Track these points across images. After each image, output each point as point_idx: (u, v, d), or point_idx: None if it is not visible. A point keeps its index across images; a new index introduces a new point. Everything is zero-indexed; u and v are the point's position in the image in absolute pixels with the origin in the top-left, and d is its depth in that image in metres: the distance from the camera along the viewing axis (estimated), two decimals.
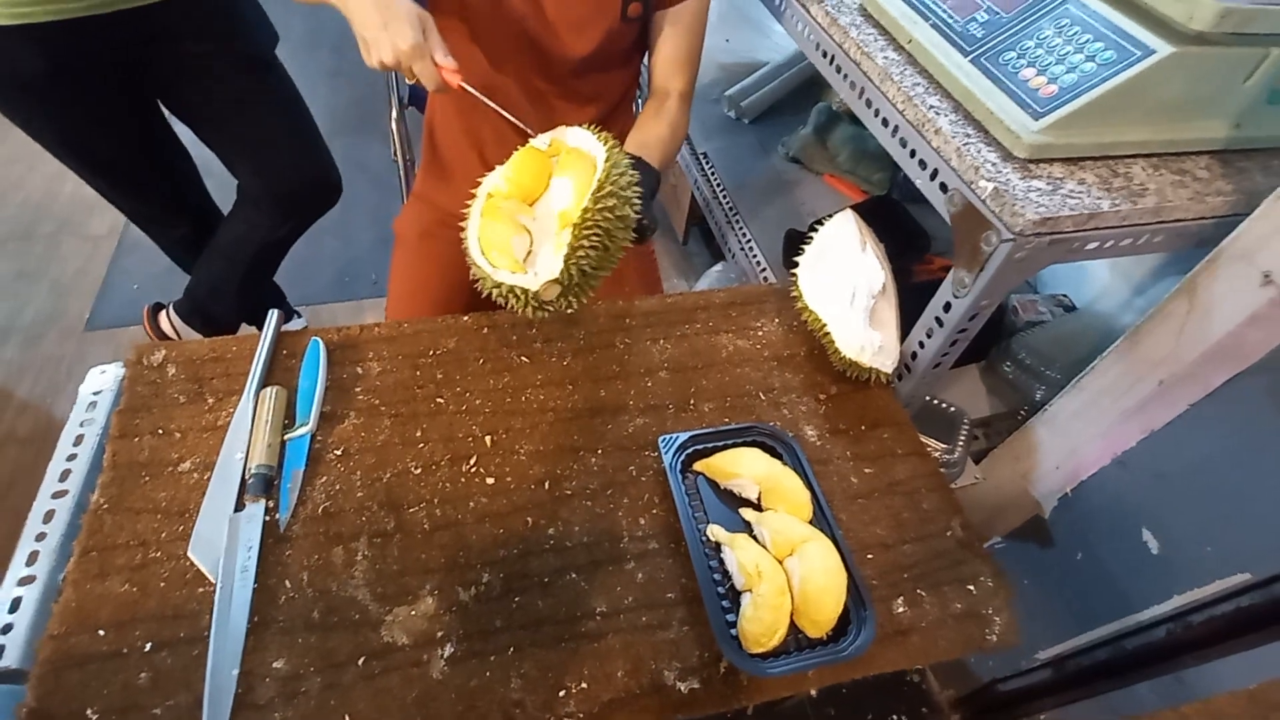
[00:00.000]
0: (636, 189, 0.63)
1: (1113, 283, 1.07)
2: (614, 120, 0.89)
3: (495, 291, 0.62)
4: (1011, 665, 0.98)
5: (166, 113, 1.08)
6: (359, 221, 1.84)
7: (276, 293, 1.45)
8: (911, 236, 1.14)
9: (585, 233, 0.60)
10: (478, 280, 0.63)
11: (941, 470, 0.87)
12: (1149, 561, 0.71)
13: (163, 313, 1.34)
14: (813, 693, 1.04)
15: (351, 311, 1.66)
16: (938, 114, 0.64)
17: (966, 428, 0.87)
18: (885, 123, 0.70)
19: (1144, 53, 0.55)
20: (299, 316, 1.52)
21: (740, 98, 1.44)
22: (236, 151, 1.10)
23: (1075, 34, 0.60)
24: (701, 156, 1.38)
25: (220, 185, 1.22)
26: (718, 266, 1.46)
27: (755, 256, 1.21)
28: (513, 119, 0.71)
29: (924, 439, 0.87)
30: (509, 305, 0.63)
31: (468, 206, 0.68)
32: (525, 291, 0.61)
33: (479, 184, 0.68)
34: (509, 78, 0.78)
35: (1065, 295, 1.09)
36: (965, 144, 0.60)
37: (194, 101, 1.04)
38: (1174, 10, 0.54)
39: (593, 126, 0.66)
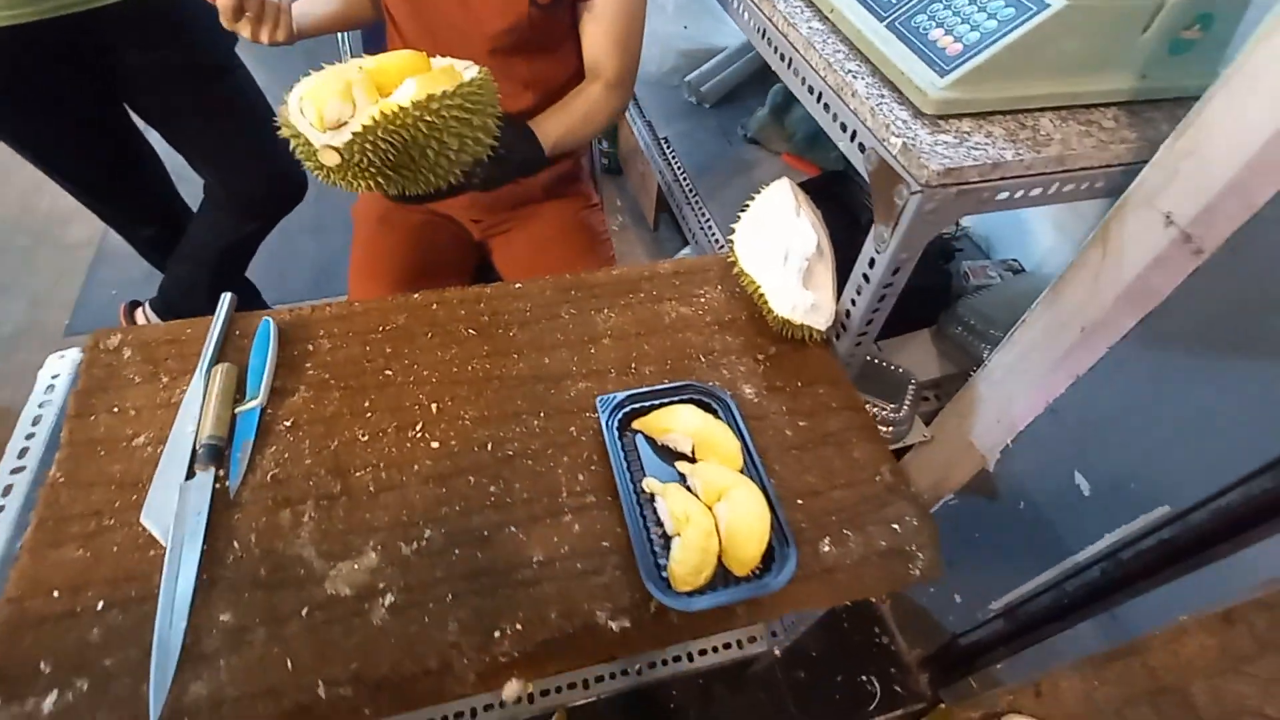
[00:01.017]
0: (483, 136, 0.64)
1: (1060, 245, 1.10)
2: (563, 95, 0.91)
3: (291, 137, 0.61)
4: (973, 620, 1.01)
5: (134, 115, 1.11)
6: (335, 220, 1.87)
7: (251, 290, 1.48)
8: (864, 209, 1.17)
9: (390, 125, 0.58)
10: (280, 125, 0.62)
11: (888, 430, 0.90)
12: (1082, 503, 0.73)
13: (139, 310, 1.36)
14: (777, 652, 1.07)
15: None
16: (855, 78, 0.66)
17: (913, 388, 0.90)
18: (811, 90, 0.73)
19: (1039, 7, 0.58)
20: None
21: (700, 83, 1.46)
22: (197, 155, 1.13)
23: None
24: (662, 141, 1.41)
25: (197, 186, 1.24)
26: (685, 250, 1.49)
27: (714, 236, 1.23)
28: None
29: (870, 399, 0.89)
30: (296, 151, 0.62)
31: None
32: (309, 144, 0.59)
33: None
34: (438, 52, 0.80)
35: (1015, 260, 1.12)
36: (879, 104, 0.63)
37: (152, 106, 1.07)
38: None
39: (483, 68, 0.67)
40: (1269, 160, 0.50)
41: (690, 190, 1.31)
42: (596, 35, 0.81)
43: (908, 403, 0.89)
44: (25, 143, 1.00)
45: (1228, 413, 0.59)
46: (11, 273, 1.72)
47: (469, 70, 0.67)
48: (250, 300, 1.49)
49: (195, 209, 1.27)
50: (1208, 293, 0.58)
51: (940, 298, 1.04)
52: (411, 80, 0.62)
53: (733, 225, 1.28)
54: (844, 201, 1.16)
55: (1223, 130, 0.53)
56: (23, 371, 1.49)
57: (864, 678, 1.13)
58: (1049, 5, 0.57)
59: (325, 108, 0.60)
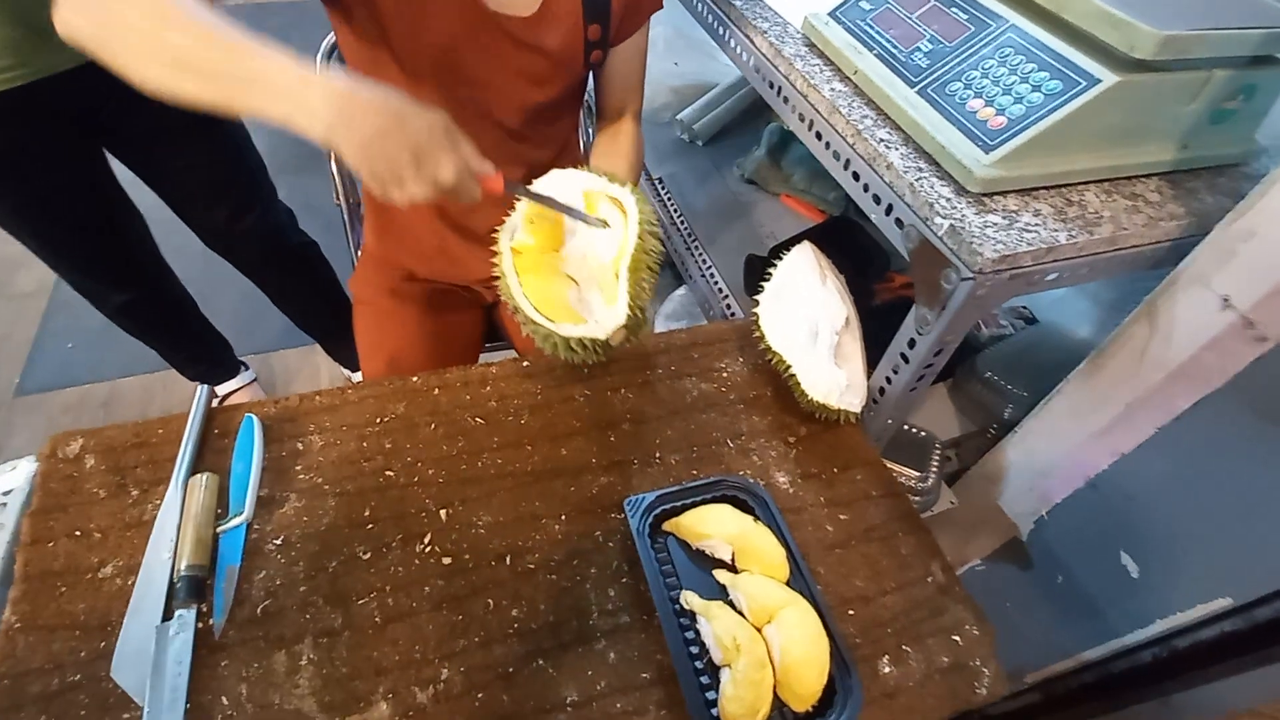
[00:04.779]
0: (656, 220, 0.65)
1: (1070, 293, 1.08)
2: (565, 157, 0.87)
3: (560, 345, 0.62)
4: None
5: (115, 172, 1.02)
6: None
7: (220, 343, 1.38)
8: (870, 255, 1.14)
9: (640, 274, 0.62)
10: (531, 334, 0.63)
11: (916, 500, 0.86)
12: (1129, 584, 0.70)
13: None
14: None
15: (303, 357, 1.59)
16: (888, 148, 0.62)
17: (939, 453, 0.86)
18: (836, 156, 0.69)
19: (1089, 82, 0.55)
20: (246, 369, 1.45)
21: (692, 120, 1.43)
22: (187, 196, 1.05)
23: (1019, 64, 0.59)
24: (657, 182, 1.36)
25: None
26: (680, 290, 1.44)
27: (716, 282, 1.19)
28: (570, 209, 0.64)
29: (897, 467, 0.85)
30: (565, 357, 0.63)
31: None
32: (594, 341, 0.61)
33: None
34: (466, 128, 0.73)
35: (1025, 307, 1.10)
36: (918, 179, 0.59)
37: (142, 151, 0.99)
38: (1115, 39, 0.53)
39: (579, 165, 0.68)
40: None
41: (688, 234, 1.26)
42: (625, 75, 0.79)
43: (934, 469, 0.85)
44: (21, 214, 0.93)
45: None
46: None
47: (589, 181, 0.67)
48: (220, 354, 1.39)
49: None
50: (1275, 373, 0.55)
51: (956, 351, 1.01)
52: (612, 235, 0.64)
53: (735, 268, 1.24)
54: (850, 248, 1.13)
55: None
56: None
57: None
58: (1099, 80, 0.54)
59: (570, 304, 0.64)
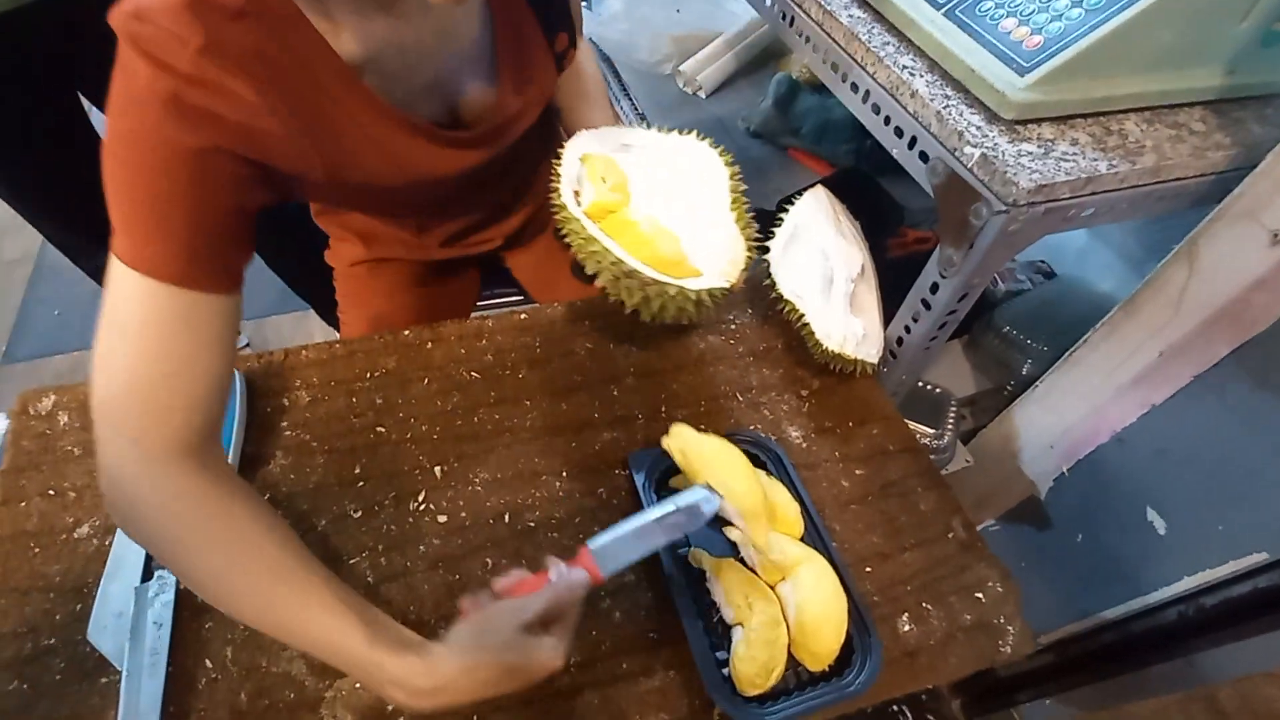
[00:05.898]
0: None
1: (1091, 245, 1.03)
2: (551, 130, 0.79)
3: (687, 301, 0.55)
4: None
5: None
6: None
7: None
8: (883, 210, 1.09)
9: (741, 208, 0.61)
10: (626, 297, 0.55)
11: (932, 458, 0.83)
12: (1155, 542, 0.67)
13: None
14: None
15: (297, 323, 1.55)
16: (912, 75, 0.57)
17: (954, 409, 0.83)
18: (855, 88, 0.64)
19: None
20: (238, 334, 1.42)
21: (695, 72, 1.36)
22: None
23: None
24: None
25: None
26: None
27: None
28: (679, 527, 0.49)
29: (912, 425, 0.82)
30: (681, 316, 0.57)
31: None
32: (722, 291, 0.57)
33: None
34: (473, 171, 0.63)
35: (1043, 261, 1.05)
36: (945, 107, 0.54)
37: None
38: None
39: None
40: None
41: None
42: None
43: (949, 426, 0.82)
44: None
45: None
46: None
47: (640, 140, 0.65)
48: None
49: None
50: None
51: (971, 307, 0.97)
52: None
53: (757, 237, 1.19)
54: (863, 201, 1.08)
55: None
56: None
57: (894, 706, 1.08)
58: None
59: (687, 257, 0.59)
